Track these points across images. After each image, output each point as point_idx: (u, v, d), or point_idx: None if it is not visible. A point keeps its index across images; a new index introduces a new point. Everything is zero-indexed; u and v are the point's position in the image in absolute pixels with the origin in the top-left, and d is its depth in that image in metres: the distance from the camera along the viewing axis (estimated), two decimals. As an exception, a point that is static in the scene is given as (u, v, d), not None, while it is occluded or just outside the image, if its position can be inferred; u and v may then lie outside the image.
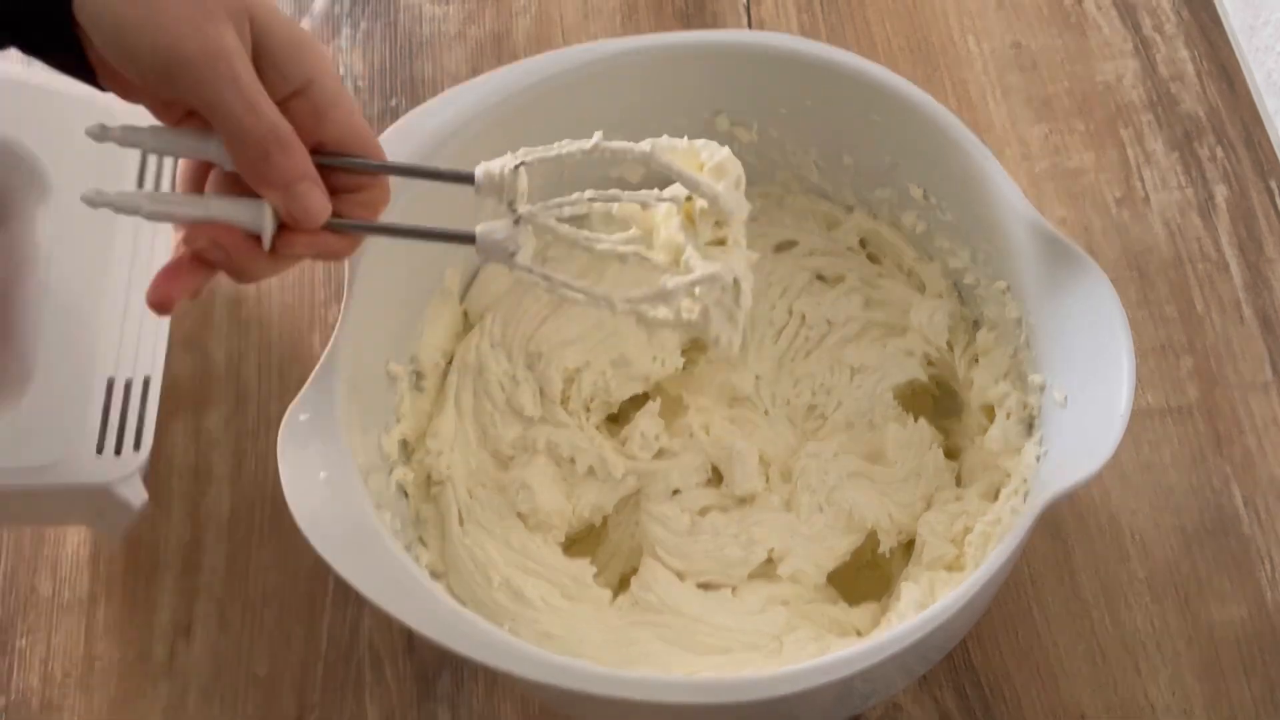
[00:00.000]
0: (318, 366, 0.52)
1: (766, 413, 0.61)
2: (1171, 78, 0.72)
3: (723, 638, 0.55)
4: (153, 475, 0.66)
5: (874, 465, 0.59)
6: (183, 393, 0.68)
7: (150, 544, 0.65)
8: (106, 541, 0.65)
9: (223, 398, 0.68)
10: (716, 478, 0.60)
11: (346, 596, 0.62)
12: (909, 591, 0.54)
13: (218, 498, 0.65)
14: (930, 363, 0.61)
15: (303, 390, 0.51)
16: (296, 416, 0.50)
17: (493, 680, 0.60)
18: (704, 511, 0.59)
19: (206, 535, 0.65)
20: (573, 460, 0.59)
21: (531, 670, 0.46)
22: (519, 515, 0.58)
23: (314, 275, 0.71)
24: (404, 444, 0.58)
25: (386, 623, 0.62)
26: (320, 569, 0.61)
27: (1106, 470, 0.60)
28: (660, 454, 0.60)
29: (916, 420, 0.60)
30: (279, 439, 0.50)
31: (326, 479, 0.49)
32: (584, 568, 0.57)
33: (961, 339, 0.60)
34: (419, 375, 0.60)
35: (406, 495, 0.57)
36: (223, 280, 0.69)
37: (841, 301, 0.62)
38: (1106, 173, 0.69)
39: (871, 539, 0.58)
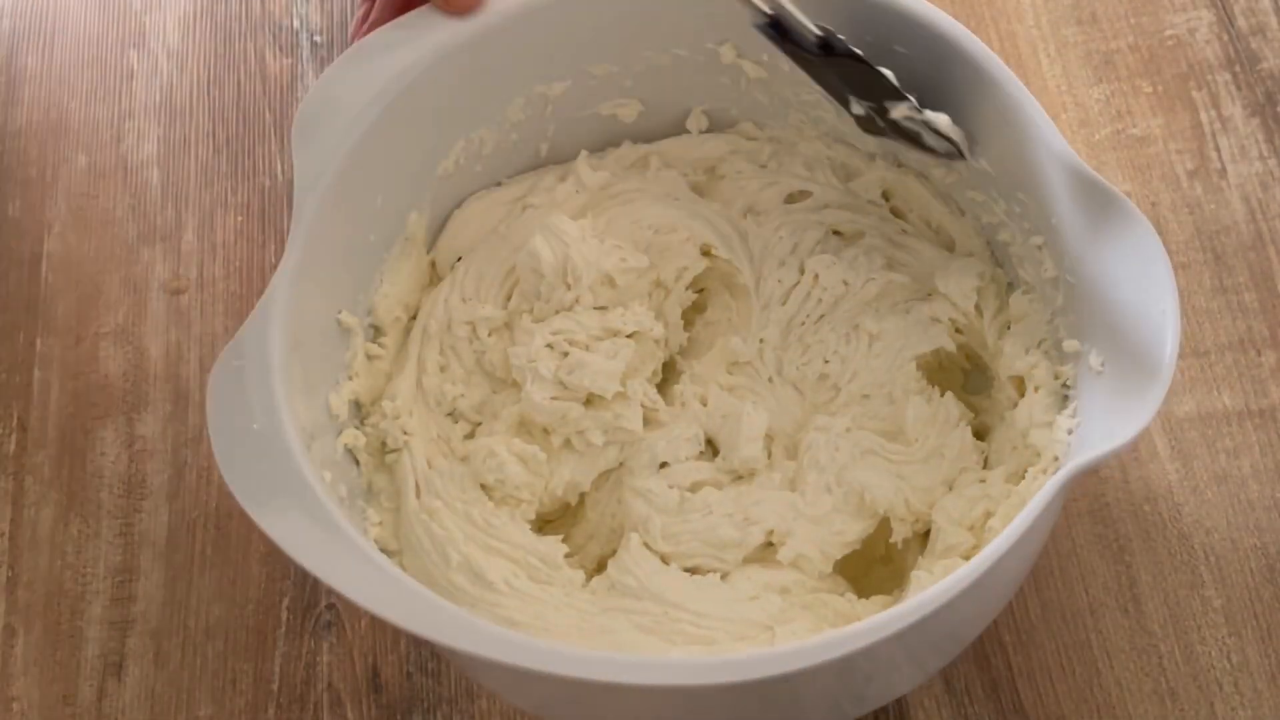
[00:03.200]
0: (254, 311, 0.52)
1: (771, 380, 0.61)
2: (1252, 31, 0.71)
3: (707, 627, 0.55)
4: (78, 489, 0.66)
5: (892, 443, 0.59)
6: (113, 393, 0.68)
7: (75, 568, 0.65)
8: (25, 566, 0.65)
9: (159, 399, 0.68)
10: (711, 452, 0.61)
11: (302, 629, 0.62)
12: (919, 582, 0.54)
13: (153, 515, 0.66)
14: (958, 330, 0.62)
15: (237, 334, 0.52)
16: (229, 362, 0.51)
17: (469, 719, 0.61)
18: (695, 487, 0.59)
19: (140, 559, 0.65)
20: (546, 431, 0.59)
21: (479, 645, 0.46)
22: (484, 487, 0.58)
23: (264, 258, 0.71)
24: (356, 405, 0.59)
25: (348, 658, 0.62)
26: (272, 597, 0.63)
27: (1178, 483, 0.62)
28: (648, 423, 0.60)
29: (943, 395, 0.60)
30: (208, 385, 0.51)
31: (260, 431, 0.50)
32: (555, 546, 0.57)
33: (992, 303, 0.61)
34: (377, 330, 0.60)
35: (358, 463, 0.58)
36: (157, 266, 0.71)
37: (860, 261, 0.62)
38: (1177, 141, 0.69)
39: (886, 527, 0.59)
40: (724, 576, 0.57)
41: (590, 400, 0.60)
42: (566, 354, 0.59)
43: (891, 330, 0.61)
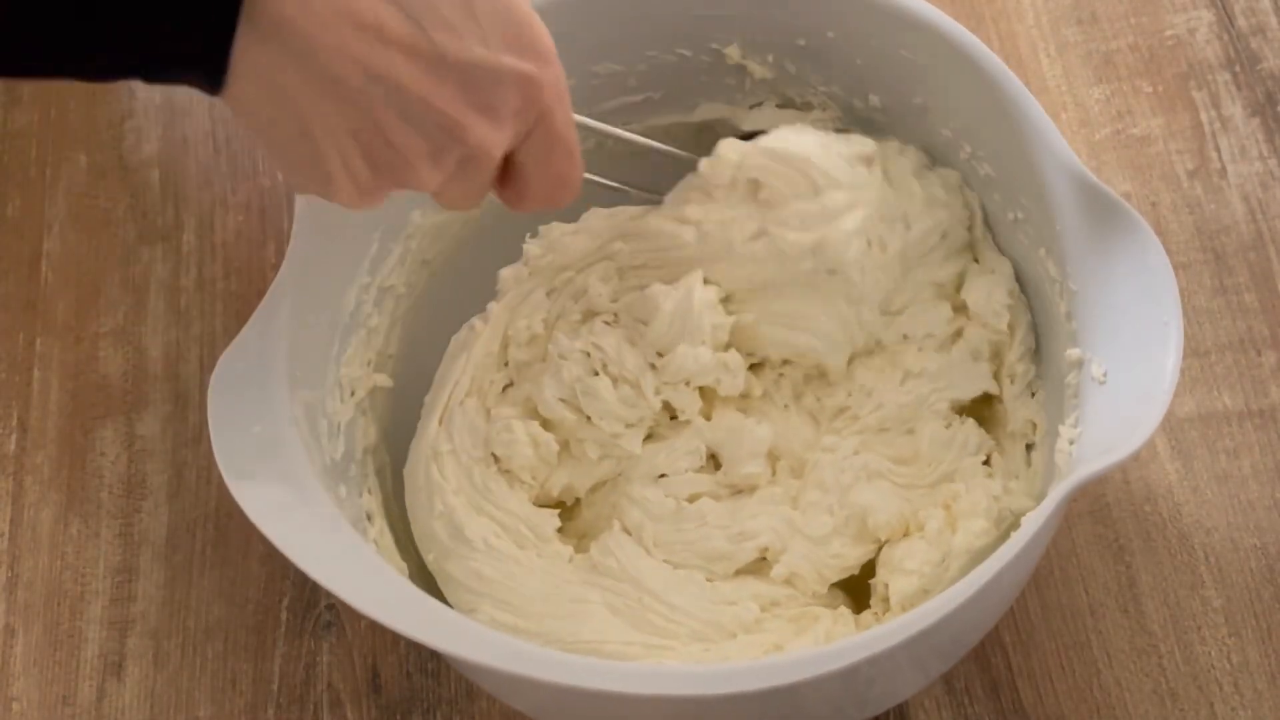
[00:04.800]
0: (255, 311, 0.53)
1: (787, 407, 0.61)
2: (1252, 31, 0.71)
3: (673, 620, 0.55)
4: (78, 489, 0.66)
5: (901, 466, 0.58)
6: (113, 393, 0.68)
7: (75, 568, 0.65)
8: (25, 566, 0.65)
9: (159, 399, 0.68)
10: (713, 466, 0.60)
11: (302, 629, 0.63)
12: (879, 591, 0.55)
13: (153, 515, 0.66)
14: (993, 355, 0.60)
15: (238, 335, 0.53)
16: (230, 363, 0.52)
17: (469, 719, 0.61)
18: (693, 498, 0.58)
19: (140, 559, 0.65)
20: (548, 425, 0.59)
21: (476, 651, 0.46)
22: (494, 455, 0.58)
23: (263, 259, 0.71)
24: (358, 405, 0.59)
25: (348, 659, 0.62)
26: (272, 597, 0.63)
27: (1177, 483, 0.62)
28: (649, 437, 0.60)
29: (963, 421, 0.59)
30: (209, 385, 0.51)
31: (261, 432, 0.51)
32: (548, 519, 0.57)
33: (1023, 320, 0.59)
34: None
35: (363, 456, 0.58)
36: (157, 266, 0.71)
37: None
38: (1177, 141, 0.69)
39: None
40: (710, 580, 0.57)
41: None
42: (596, 373, 0.58)
43: (933, 370, 0.59)
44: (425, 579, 0.57)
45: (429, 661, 0.61)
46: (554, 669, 0.46)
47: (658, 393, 0.58)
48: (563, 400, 0.58)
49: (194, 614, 0.63)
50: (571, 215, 0.60)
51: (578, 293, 0.60)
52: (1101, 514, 0.61)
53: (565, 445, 0.59)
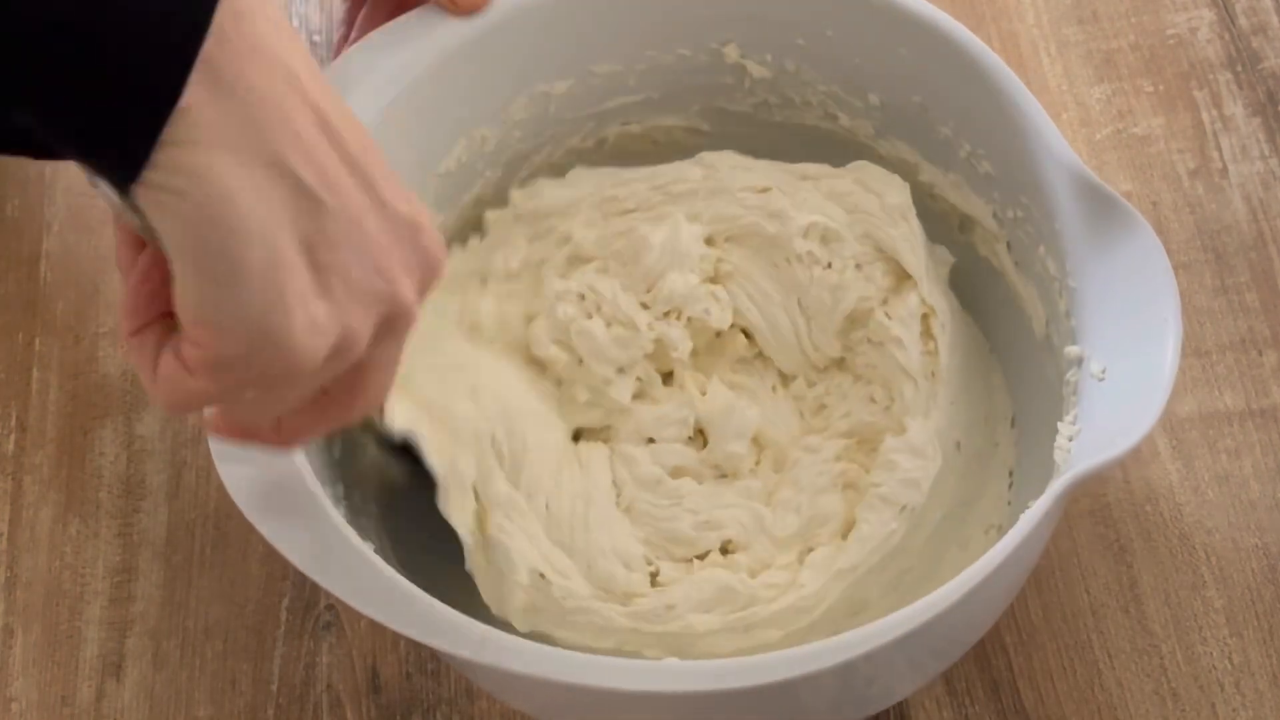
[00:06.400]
0: None
1: (774, 389, 0.61)
2: (1254, 30, 0.72)
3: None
4: (77, 489, 0.67)
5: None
6: (113, 393, 0.68)
7: (75, 568, 0.65)
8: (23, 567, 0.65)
9: (159, 400, 0.68)
10: (701, 443, 0.60)
11: (301, 629, 0.63)
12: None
13: (153, 515, 0.66)
14: None
15: None
16: None
17: (469, 719, 0.61)
18: (677, 473, 0.59)
19: (139, 559, 0.65)
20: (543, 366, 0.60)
21: (474, 651, 0.47)
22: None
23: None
24: None
25: (348, 659, 0.62)
26: (271, 597, 0.63)
27: (1179, 483, 0.62)
28: (642, 397, 0.60)
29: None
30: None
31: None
32: (548, 389, 0.59)
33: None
34: None
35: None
36: (158, 264, 0.72)
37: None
38: (1178, 140, 0.69)
39: None
40: (656, 577, 0.56)
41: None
42: (590, 316, 0.58)
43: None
44: (422, 578, 0.57)
45: (429, 661, 0.62)
46: (553, 666, 0.47)
47: (650, 328, 0.59)
48: (556, 341, 0.59)
49: (193, 614, 0.63)
50: (559, 172, 0.62)
51: (562, 239, 0.60)
52: (1102, 514, 0.62)
53: (559, 382, 0.59)
